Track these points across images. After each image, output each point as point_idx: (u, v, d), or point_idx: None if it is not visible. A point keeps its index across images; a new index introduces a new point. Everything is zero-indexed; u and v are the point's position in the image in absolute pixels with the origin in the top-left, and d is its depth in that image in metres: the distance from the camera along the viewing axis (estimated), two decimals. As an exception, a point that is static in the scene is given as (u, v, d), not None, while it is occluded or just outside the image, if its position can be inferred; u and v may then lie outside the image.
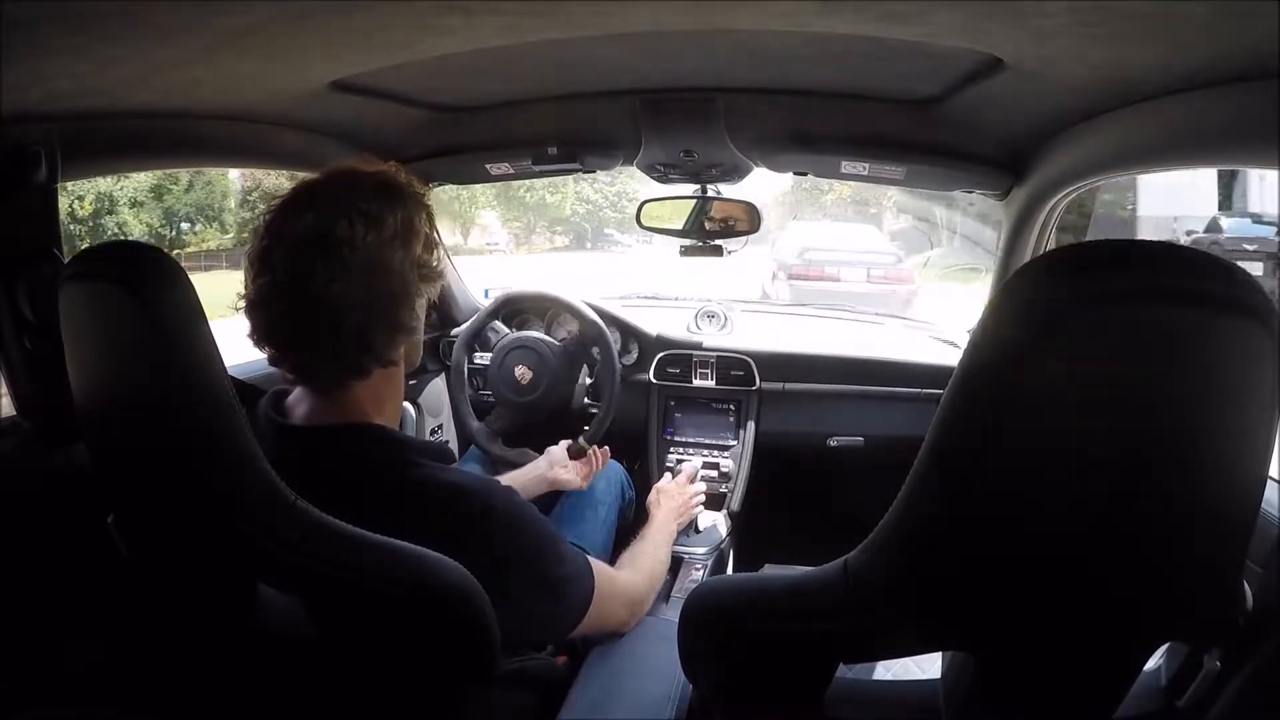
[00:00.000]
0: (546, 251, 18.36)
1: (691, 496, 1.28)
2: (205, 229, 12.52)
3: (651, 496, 1.23)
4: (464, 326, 1.51)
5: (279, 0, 0.59)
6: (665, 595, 1.23)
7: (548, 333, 1.57)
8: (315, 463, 0.63)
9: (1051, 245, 1.17)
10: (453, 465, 0.72)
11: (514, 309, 1.58)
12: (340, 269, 0.62)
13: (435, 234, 0.70)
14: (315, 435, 0.67)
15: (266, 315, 0.64)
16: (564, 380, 1.40)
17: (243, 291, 0.66)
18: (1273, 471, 0.48)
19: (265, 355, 0.67)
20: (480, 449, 1.43)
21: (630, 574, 0.89)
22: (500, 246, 18.20)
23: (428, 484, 0.65)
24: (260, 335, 0.65)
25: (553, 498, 1.25)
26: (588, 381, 1.47)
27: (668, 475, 1.37)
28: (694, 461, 1.49)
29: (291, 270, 0.62)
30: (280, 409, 0.70)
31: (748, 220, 1.37)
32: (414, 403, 1.55)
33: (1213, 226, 6.58)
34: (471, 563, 0.58)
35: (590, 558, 0.77)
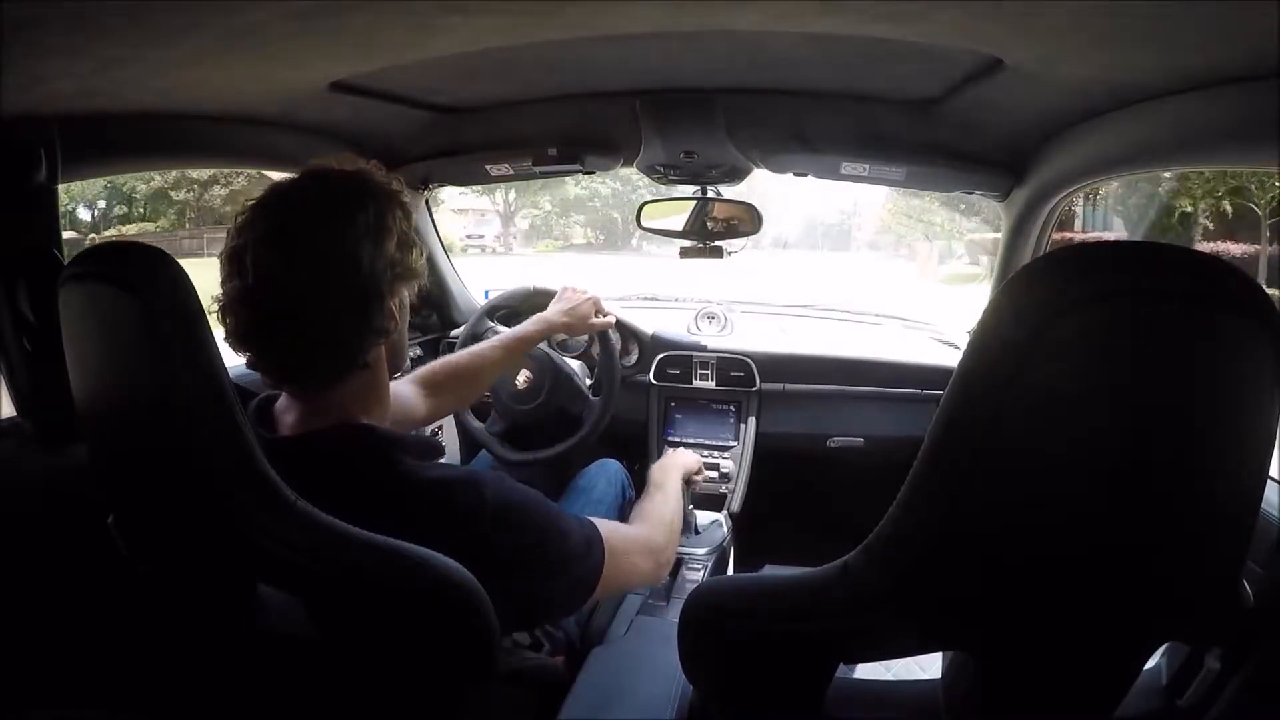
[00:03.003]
0: (559, 250, 15.35)
1: (694, 459, 1.20)
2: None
3: (656, 465, 1.12)
4: (463, 328, 1.51)
5: (279, 0, 0.59)
6: (665, 595, 1.23)
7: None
8: (304, 473, 0.61)
9: (1051, 245, 1.18)
10: (440, 460, 0.71)
11: (513, 310, 1.58)
12: (308, 267, 0.62)
13: (411, 232, 0.69)
14: (301, 444, 0.66)
15: (238, 317, 0.63)
16: (565, 386, 1.40)
17: (218, 295, 0.65)
18: (1273, 471, 0.48)
19: (244, 360, 0.66)
20: (493, 455, 1.41)
21: (640, 525, 0.86)
22: (486, 241, 14.65)
23: (414, 482, 0.65)
24: (234, 338, 0.65)
25: (550, 497, 1.24)
26: (588, 383, 1.47)
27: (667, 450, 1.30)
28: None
29: (259, 270, 0.61)
30: (267, 419, 0.69)
31: (748, 221, 1.37)
32: None
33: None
34: (471, 556, 0.57)
35: (598, 520, 0.75)
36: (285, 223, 0.63)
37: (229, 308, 0.64)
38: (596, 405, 1.37)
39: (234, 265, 0.63)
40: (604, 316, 1.31)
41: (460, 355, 1.16)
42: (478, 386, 1.18)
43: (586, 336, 1.49)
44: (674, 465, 1.09)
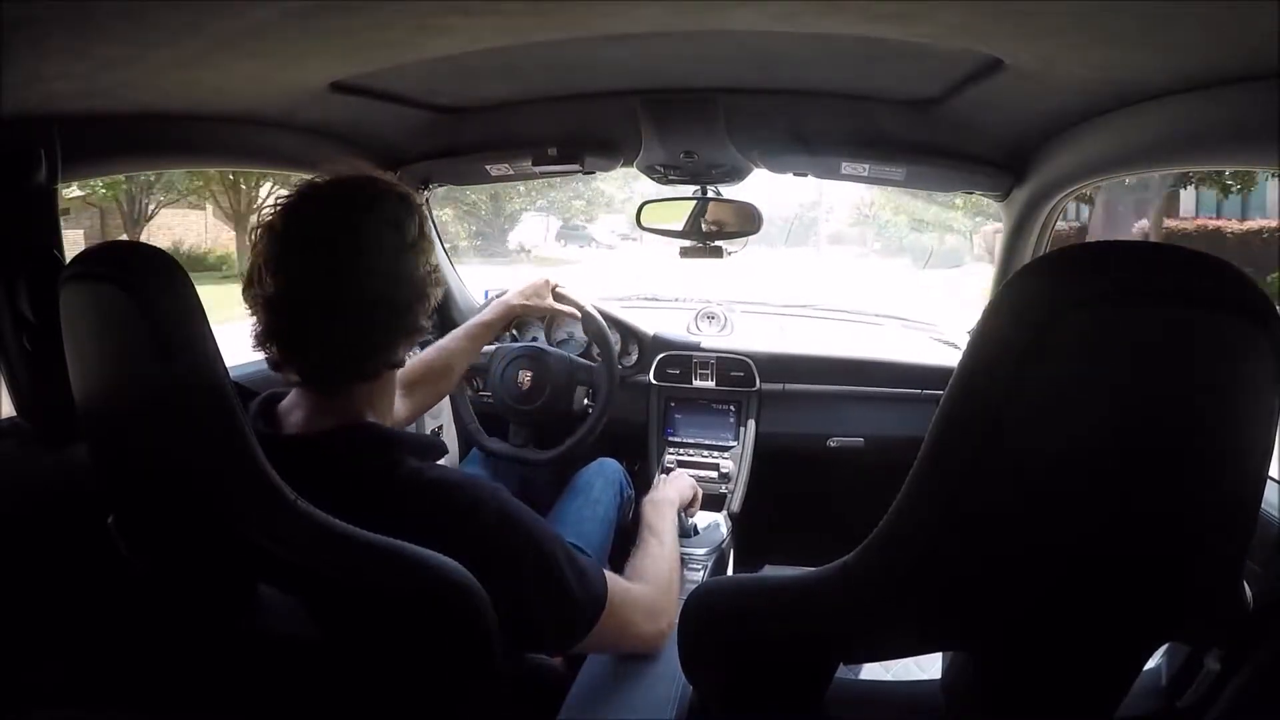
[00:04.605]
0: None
1: (689, 486, 1.22)
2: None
3: (647, 498, 1.12)
4: None
5: (279, 0, 0.59)
6: None
7: (547, 334, 1.57)
8: (308, 472, 0.61)
9: (1051, 245, 1.18)
10: (441, 461, 0.71)
11: None
12: (367, 274, 0.63)
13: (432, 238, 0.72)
14: (306, 444, 0.66)
15: (278, 318, 0.64)
16: (565, 386, 1.39)
17: (249, 291, 0.65)
18: (1273, 471, 0.48)
19: (265, 357, 0.66)
20: (528, 463, 1.40)
21: (642, 585, 0.84)
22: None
23: (414, 482, 0.65)
24: (269, 337, 0.65)
25: (550, 497, 1.24)
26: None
27: (660, 479, 1.29)
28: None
29: (313, 273, 0.62)
30: (271, 418, 0.69)
31: (748, 221, 1.37)
32: None
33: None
34: (468, 558, 0.57)
35: (607, 572, 0.74)
36: (341, 229, 0.64)
37: (270, 308, 0.64)
38: (602, 372, 1.37)
39: (278, 265, 0.63)
40: (563, 296, 1.31)
41: (428, 352, 1.16)
42: (449, 380, 1.19)
43: (585, 336, 1.48)
44: (667, 502, 1.05)
